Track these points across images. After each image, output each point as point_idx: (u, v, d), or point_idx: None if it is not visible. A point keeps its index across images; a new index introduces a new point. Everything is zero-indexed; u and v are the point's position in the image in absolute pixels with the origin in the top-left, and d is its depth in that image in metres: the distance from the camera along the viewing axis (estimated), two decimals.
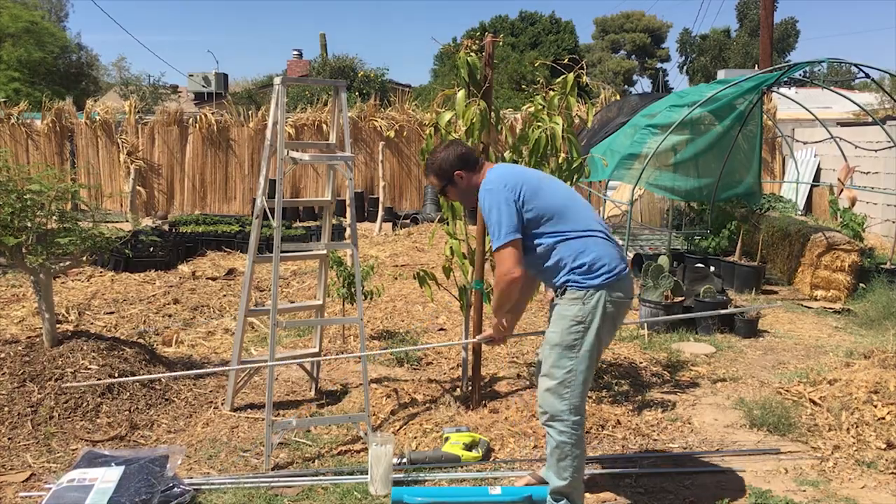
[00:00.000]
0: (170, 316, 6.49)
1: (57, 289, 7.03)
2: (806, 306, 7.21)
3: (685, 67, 48.60)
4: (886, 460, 3.68)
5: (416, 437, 3.92)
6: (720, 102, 7.37)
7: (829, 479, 3.55)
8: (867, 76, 7.75)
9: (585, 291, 2.97)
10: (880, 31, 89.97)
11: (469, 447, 3.66)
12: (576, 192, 3.27)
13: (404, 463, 3.57)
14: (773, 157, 14.18)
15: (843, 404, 4.15)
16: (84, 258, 4.68)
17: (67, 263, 4.55)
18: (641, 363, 5.21)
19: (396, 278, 7.99)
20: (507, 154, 4.23)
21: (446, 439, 3.73)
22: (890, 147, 8.70)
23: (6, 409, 3.92)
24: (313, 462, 3.68)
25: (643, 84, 50.28)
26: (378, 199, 12.74)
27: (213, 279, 8.14)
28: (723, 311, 5.84)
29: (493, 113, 4.11)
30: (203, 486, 3.36)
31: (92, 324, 6.09)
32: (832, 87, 11.42)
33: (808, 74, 15.85)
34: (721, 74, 20.64)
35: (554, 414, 2.99)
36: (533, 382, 4.51)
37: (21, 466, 3.56)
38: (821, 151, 12.67)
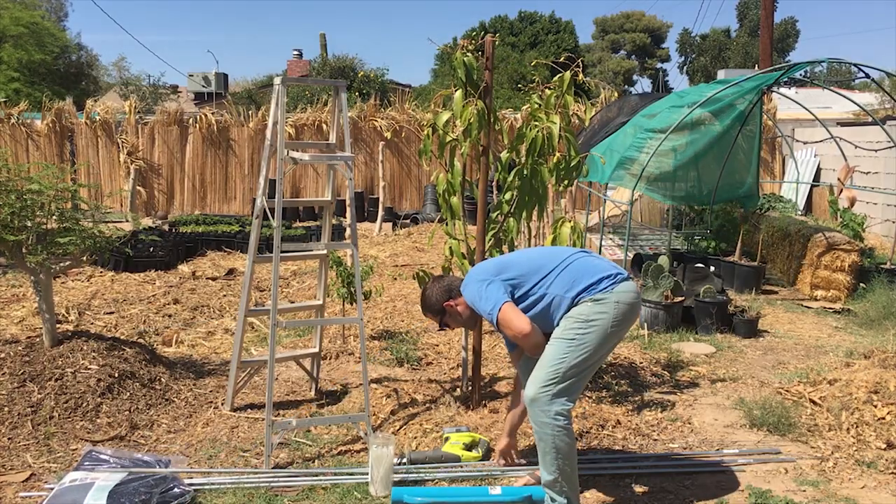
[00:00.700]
0: (170, 316, 6.49)
1: (57, 289, 7.04)
2: (806, 306, 7.22)
3: (685, 67, 48.67)
4: (886, 460, 3.68)
5: (416, 437, 3.92)
6: (720, 103, 7.35)
7: (829, 479, 3.55)
8: (867, 76, 7.73)
9: (597, 298, 3.07)
10: (880, 31, 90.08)
11: (469, 447, 3.67)
12: (551, 247, 3.51)
13: (404, 463, 3.58)
14: (773, 157, 14.18)
15: (843, 404, 4.15)
16: (84, 258, 4.68)
17: (67, 263, 4.55)
18: (641, 363, 5.21)
19: (396, 278, 7.99)
20: (504, 154, 4.23)
21: (446, 439, 3.73)
22: (890, 147, 8.69)
23: (6, 409, 3.92)
24: (313, 462, 3.68)
25: (643, 84, 50.35)
26: (378, 199, 12.75)
27: (213, 279, 8.14)
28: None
29: (491, 113, 4.11)
30: (203, 487, 3.36)
31: (92, 324, 6.10)
32: (832, 87, 11.40)
33: (808, 74, 15.84)
34: (721, 74, 20.68)
35: (533, 397, 2.99)
36: None
37: (21, 466, 3.56)
38: (821, 151, 12.66)
